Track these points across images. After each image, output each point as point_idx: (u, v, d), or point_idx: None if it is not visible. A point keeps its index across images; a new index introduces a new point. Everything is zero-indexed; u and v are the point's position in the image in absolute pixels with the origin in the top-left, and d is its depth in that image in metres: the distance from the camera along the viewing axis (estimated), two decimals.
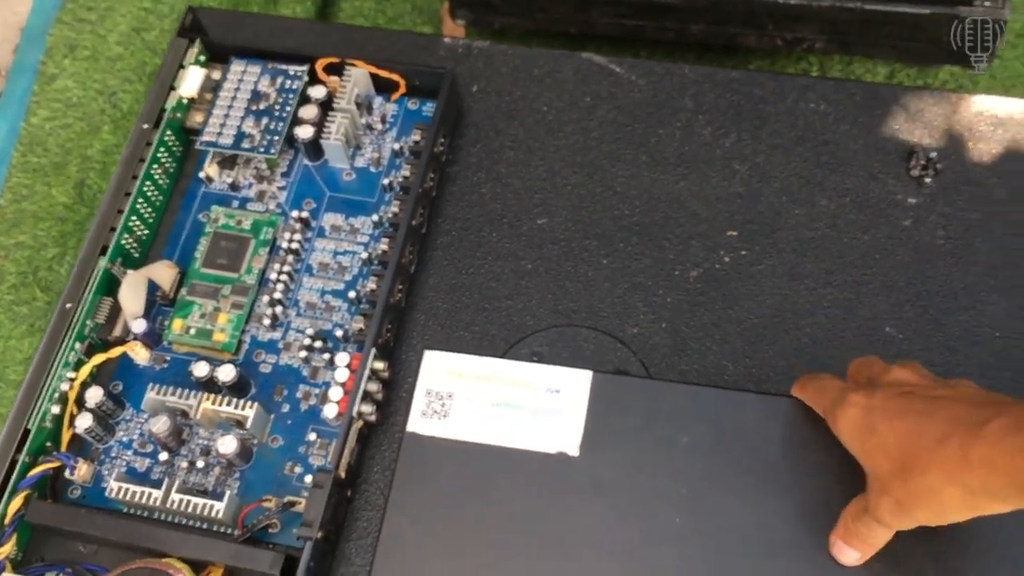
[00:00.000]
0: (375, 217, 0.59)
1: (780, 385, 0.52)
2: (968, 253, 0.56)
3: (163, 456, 0.54)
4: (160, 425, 0.53)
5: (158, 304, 0.58)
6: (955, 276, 0.55)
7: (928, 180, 0.57)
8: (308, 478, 0.53)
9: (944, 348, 0.53)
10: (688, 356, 0.55)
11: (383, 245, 0.56)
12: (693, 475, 0.48)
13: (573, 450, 0.49)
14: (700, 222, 0.58)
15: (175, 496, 0.51)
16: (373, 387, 0.53)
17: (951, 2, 0.78)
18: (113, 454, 0.55)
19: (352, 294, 0.57)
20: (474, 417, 0.51)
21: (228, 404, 0.53)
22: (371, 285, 0.55)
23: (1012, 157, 0.57)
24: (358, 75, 0.60)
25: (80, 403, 0.54)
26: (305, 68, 0.61)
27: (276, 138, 0.59)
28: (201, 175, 0.61)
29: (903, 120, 0.59)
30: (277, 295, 0.57)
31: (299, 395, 0.55)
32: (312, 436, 0.54)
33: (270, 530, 0.52)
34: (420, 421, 0.51)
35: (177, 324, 0.57)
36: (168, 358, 0.57)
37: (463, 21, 0.72)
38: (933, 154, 0.58)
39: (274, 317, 0.57)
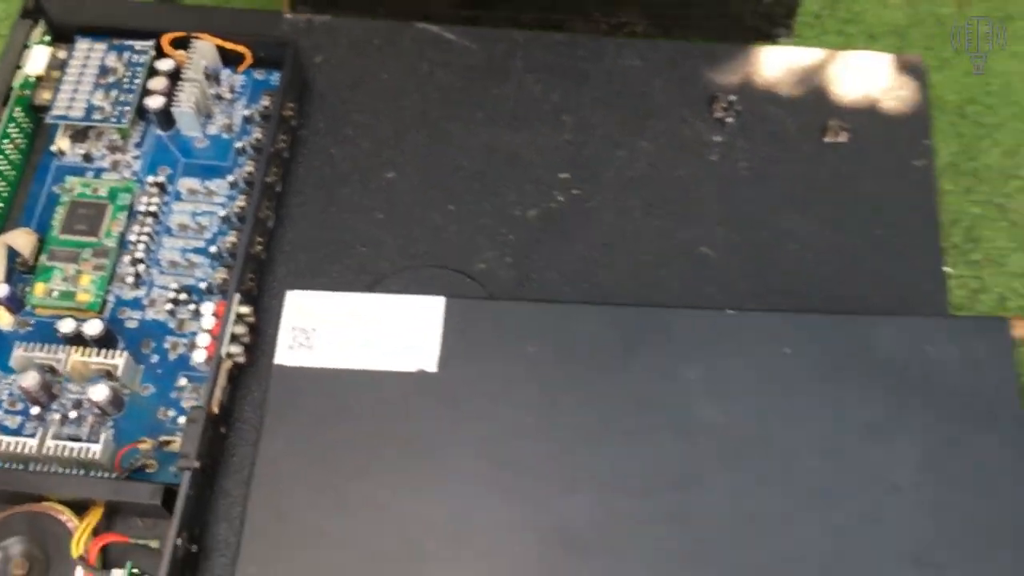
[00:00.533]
0: (230, 178, 0.63)
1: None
2: (767, 180, 0.64)
3: (35, 411, 0.56)
4: (30, 380, 0.55)
5: (18, 271, 0.60)
6: (757, 200, 0.63)
7: (729, 120, 0.66)
8: (182, 419, 0.56)
9: (751, 261, 0.61)
10: (531, 285, 0.61)
11: (240, 202, 0.60)
12: (540, 381, 0.54)
13: (432, 367, 0.54)
14: (535, 168, 0.65)
15: (50, 443, 0.53)
16: (240, 330, 0.57)
17: None
18: None
19: (213, 249, 0.61)
20: (337, 346, 0.55)
21: (97, 356, 0.56)
22: (231, 239, 0.59)
23: (799, 97, 0.67)
24: (204, 47, 0.64)
25: None
26: (151, 43, 0.65)
27: (127, 108, 0.63)
28: (53, 148, 0.63)
29: (705, 71, 0.68)
30: (139, 255, 0.60)
31: (167, 346, 0.58)
32: (183, 381, 0.57)
33: (147, 470, 0.55)
34: (287, 354, 0.55)
35: (39, 288, 0.59)
36: (32, 322, 0.59)
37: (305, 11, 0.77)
38: (732, 98, 0.66)
39: (137, 276, 0.60)
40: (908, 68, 0.67)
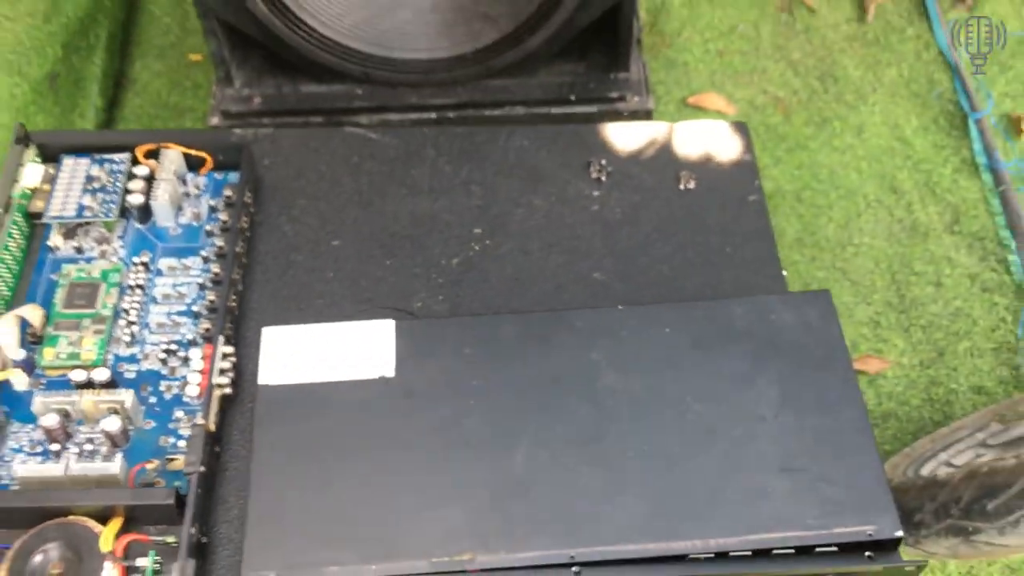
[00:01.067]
0: (204, 254, 0.77)
1: None
2: (638, 221, 0.81)
3: (54, 447, 0.67)
4: (50, 420, 0.66)
5: (28, 342, 0.72)
6: (633, 236, 0.80)
7: (603, 179, 0.83)
8: (181, 443, 0.68)
9: (633, 281, 0.77)
10: (460, 314, 0.75)
11: (215, 268, 0.74)
12: (476, 373, 0.68)
13: (390, 373, 0.68)
14: (453, 227, 0.80)
15: (74, 467, 0.64)
16: (226, 365, 0.70)
17: (610, 100, 1.10)
18: (8, 458, 0.67)
19: (195, 308, 0.74)
20: (310, 366, 0.69)
21: (107, 395, 0.67)
22: (210, 297, 0.73)
23: (655, 156, 0.85)
24: (172, 155, 0.79)
25: None
26: (128, 155, 0.79)
27: (112, 206, 0.77)
28: (49, 243, 0.76)
29: (580, 144, 0.86)
30: (132, 319, 0.73)
31: (162, 388, 0.71)
32: (179, 414, 0.70)
33: (156, 486, 0.66)
34: (268, 375, 0.68)
35: (48, 352, 0.71)
36: (44, 382, 0.71)
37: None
38: (604, 161, 0.84)
39: (132, 336, 0.72)
40: (737, 129, 0.87)
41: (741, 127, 0.87)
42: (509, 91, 1.18)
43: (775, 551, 0.62)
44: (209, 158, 0.80)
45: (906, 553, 0.63)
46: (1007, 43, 1.47)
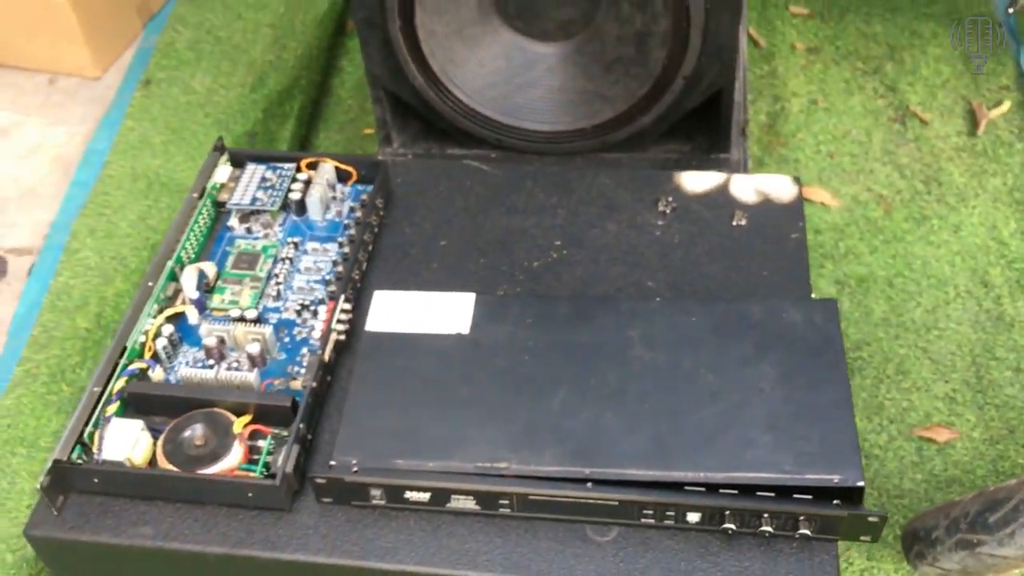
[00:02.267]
0: (340, 240, 0.99)
1: None
2: (693, 247, 0.99)
3: (210, 363, 0.89)
4: (211, 340, 0.89)
5: (203, 290, 0.96)
6: (684, 256, 0.98)
7: (668, 212, 1.02)
8: (303, 371, 0.89)
9: (678, 290, 0.95)
10: None
11: (346, 250, 0.96)
12: (536, 337, 0.86)
13: (465, 330, 0.88)
14: (538, 238, 1.00)
15: (223, 373, 0.87)
16: (343, 318, 0.91)
17: None
18: (176, 367, 0.90)
19: (328, 278, 0.96)
20: (405, 321, 0.89)
21: (253, 327, 0.90)
22: (339, 269, 0.95)
23: (713, 197, 1.03)
24: (326, 167, 1.04)
25: (156, 336, 0.90)
26: (293, 165, 1.04)
27: (277, 198, 1.01)
28: (228, 224, 1.01)
29: (653, 183, 1.05)
30: (279, 281, 0.96)
31: (295, 332, 0.93)
32: (304, 351, 0.91)
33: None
34: (374, 324, 0.89)
35: (216, 298, 0.95)
36: (210, 319, 0.94)
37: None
38: (671, 199, 1.03)
39: (278, 293, 0.95)
40: (787, 184, 1.04)
41: (795, 180, 1.04)
42: (621, 164, 1.38)
43: (756, 489, 0.76)
44: (355, 172, 1.04)
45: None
46: None
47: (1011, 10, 1.72)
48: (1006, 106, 1.68)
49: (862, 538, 0.77)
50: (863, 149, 1.64)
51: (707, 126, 1.38)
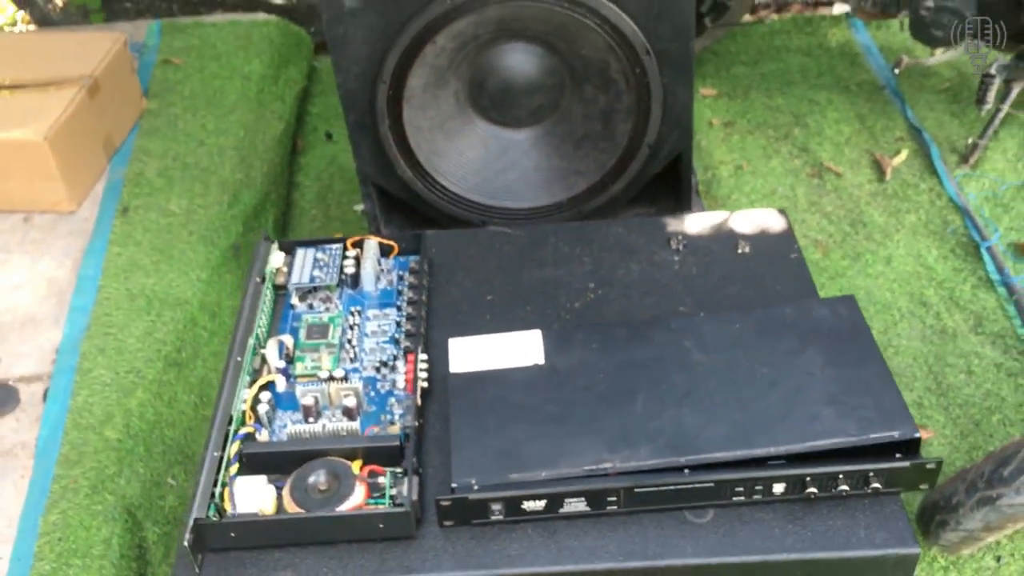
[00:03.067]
0: (398, 304, 1.09)
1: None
2: (708, 275, 1.13)
3: (310, 420, 0.97)
4: (308, 399, 0.97)
5: (285, 361, 1.04)
6: (706, 285, 1.12)
7: (681, 248, 1.16)
8: (393, 419, 0.97)
9: (708, 310, 1.08)
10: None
11: (408, 310, 1.06)
12: (600, 359, 0.98)
13: (541, 360, 0.99)
14: (573, 284, 1.13)
15: (328, 425, 0.95)
16: (423, 367, 1.01)
17: None
18: (276, 432, 0.97)
19: (396, 337, 1.06)
20: (483, 360, 0.99)
21: (344, 384, 0.99)
22: (407, 327, 1.05)
23: (717, 232, 1.18)
24: (371, 243, 1.14)
25: (256, 403, 0.97)
26: (340, 244, 1.14)
27: (333, 273, 1.10)
28: (292, 301, 1.10)
29: (662, 228, 1.19)
30: (352, 345, 1.05)
31: (378, 386, 1.01)
32: (392, 401, 1.00)
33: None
34: (456, 366, 0.99)
35: (299, 366, 1.03)
36: (295, 386, 1.02)
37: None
38: (680, 238, 1.17)
39: (353, 356, 1.04)
40: (778, 213, 1.20)
41: (781, 212, 1.20)
42: None
43: (830, 454, 0.89)
44: (396, 246, 1.15)
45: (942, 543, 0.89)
46: (1007, 190, 1.81)
47: (896, 71, 1.97)
48: (904, 154, 1.91)
49: (921, 487, 0.90)
50: (791, 203, 1.83)
51: (669, 188, 1.55)
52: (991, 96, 1.80)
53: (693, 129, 1.47)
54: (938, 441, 1.43)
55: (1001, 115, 1.85)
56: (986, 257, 1.68)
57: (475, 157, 1.50)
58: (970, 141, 1.88)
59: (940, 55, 1.90)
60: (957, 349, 1.55)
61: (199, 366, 1.49)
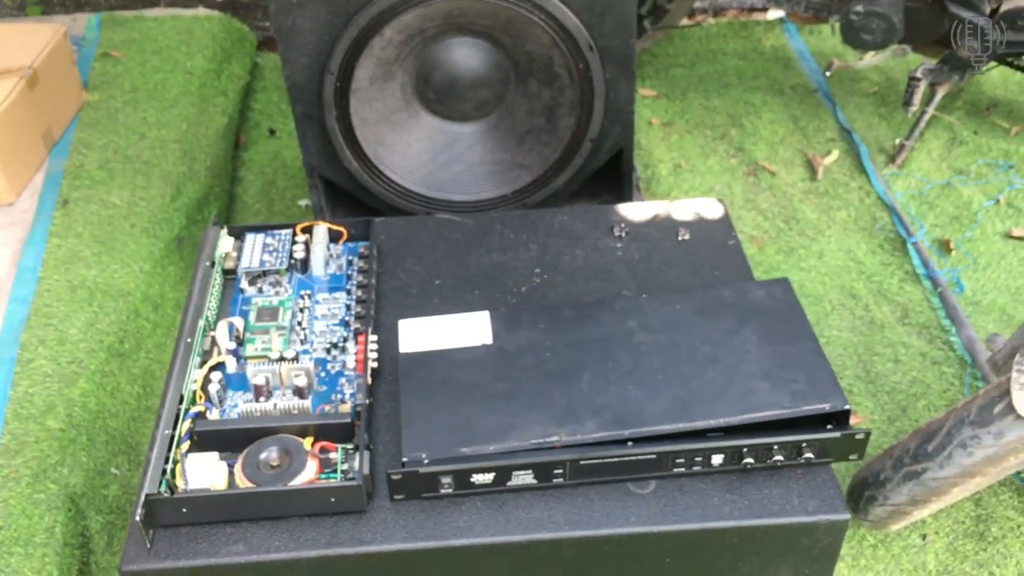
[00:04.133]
0: (347, 287, 1.11)
1: None
2: (651, 260, 1.17)
3: (261, 399, 0.99)
4: (259, 379, 0.99)
5: (235, 343, 1.05)
6: (648, 270, 1.16)
7: (624, 235, 1.20)
8: (345, 397, 1.00)
9: (647, 291, 1.12)
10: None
11: (358, 293, 1.09)
12: (547, 336, 1.01)
13: (489, 340, 1.02)
14: (520, 269, 1.16)
15: (280, 403, 0.96)
16: (374, 347, 1.03)
17: None
18: (227, 412, 0.99)
19: (346, 319, 1.08)
20: (433, 340, 1.02)
21: (295, 364, 1.00)
22: (356, 310, 1.07)
23: (656, 221, 1.22)
24: (320, 229, 1.16)
25: (207, 383, 0.99)
26: (290, 230, 1.16)
27: (283, 258, 1.12)
28: (241, 285, 1.11)
29: (605, 215, 1.23)
30: (302, 327, 1.07)
31: (328, 367, 1.03)
32: (343, 381, 1.02)
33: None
34: (406, 346, 1.01)
35: (249, 348, 1.04)
36: (246, 367, 1.03)
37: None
38: (623, 224, 1.21)
39: (303, 339, 1.06)
40: (716, 202, 1.24)
41: (720, 201, 1.24)
42: None
43: (765, 426, 0.93)
44: (345, 232, 1.17)
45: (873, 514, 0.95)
46: (931, 189, 1.89)
47: (827, 73, 2.04)
48: (835, 155, 1.98)
49: (851, 457, 0.95)
50: (728, 200, 1.89)
51: (610, 183, 1.59)
52: (917, 99, 1.88)
53: (632, 125, 1.51)
54: (866, 425, 1.49)
55: (927, 117, 1.93)
56: (912, 252, 1.75)
57: (421, 150, 1.53)
58: (897, 142, 1.95)
59: (869, 59, 1.97)
60: (885, 339, 1.61)
61: (142, 357, 1.49)
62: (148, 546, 0.88)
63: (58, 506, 1.24)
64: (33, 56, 1.76)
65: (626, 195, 1.58)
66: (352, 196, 1.55)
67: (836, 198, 1.89)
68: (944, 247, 1.77)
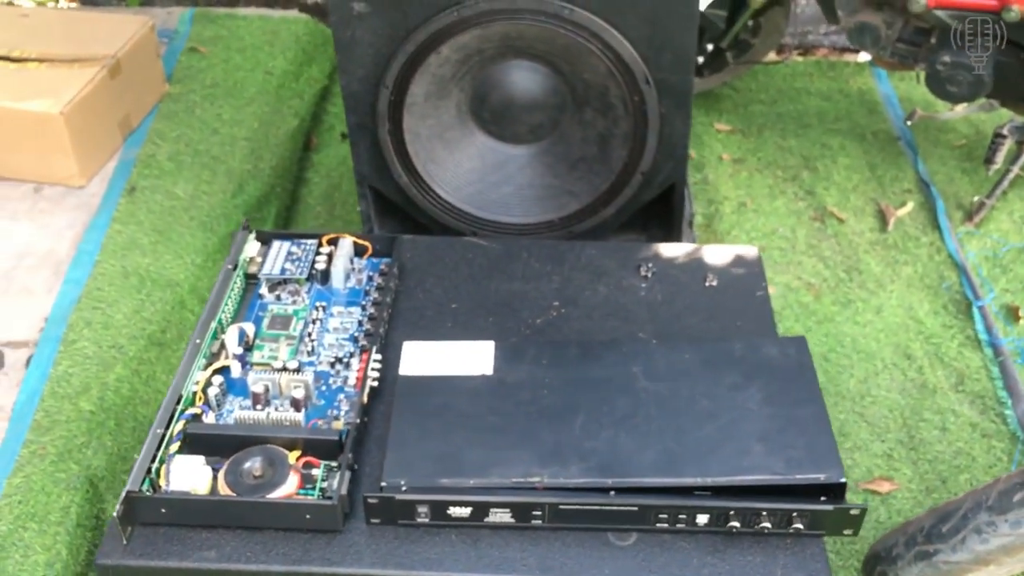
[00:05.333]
0: (362, 303, 1.12)
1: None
2: (673, 303, 1.14)
3: (259, 407, 0.99)
4: (258, 387, 0.99)
5: (243, 348, 1.06)
6: (669, 313, 1.13)
7: (649, 275, 1.17)
8: (342, 413, 1.00)
9: (662, 335, 1.09)
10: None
11: (371, 310, 1.09)
12: (551, 373, 0.99)
13: (489, 371, 1.00)
14: (538, 300, 1.14)
15: (273, 414, 0.97)
16: (375, 367, 1.03)
17: None
18: (224, 417, 1.00)
19: (356, 335, 1.08)
20: (434, 366, 1.01)
21: (296, 376, 1.01)
22: (367, 327, 1.07)
23: (686, 263, 1.19)
24: (345, 242, 1.17)
25: (207, 385, 1.00)
26: (315, 240, 1.17)
27: (304, 267, 1.13)
28: (261, 291, 1.13)
29: (634, 253, 1.20)
30: (312, 338, 1.07)
31: (330, 381, 1.04)
32: (341, 397, 1.02)
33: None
34: (406, 369, 1.01)
35: (256, 354, 1.05)
36: (251, 374, 1.04)
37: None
38: (650, 264, 1.18)
39: (312, 349, 1.06)
40: (750, 251, 1.21)
41: (753, 249, 1.21)
42: None
43: (755, 490, 0.90)
44: (370, 247, 1.17)
45: None
46: (1008, 251, 1.81)
47: (909, 123, 1.97)
48: (910, 206, 1.91)
49: (845, 532, 0.90)
50: (790, 244, 1.83)
51: (660, 218, 1.56)
52: (1000, 156, 1.80)
53: (687, 161, 1.48)
54: (902, 494, 1.43)
55: (1011, 176, 1.85)
56: (977, 316, 1.67)
57: (471, 168, 1.52)
58: (976, 199, 1.87)
59: (956, 110, 1.90)
60: (935, 405, 1.54)
61: (182, 348, 1.52)
62: (125, 542, 0.90)
63: (77, 487, 1.27)
64: (118, 46, 1.82)
65: (675, 232, 1.55)
66: (401, 209, 1.55)
67: (904, 252, 1.82)
68: (1012, 314, 1.68)
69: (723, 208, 1.91)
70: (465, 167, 1.52)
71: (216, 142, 1.86)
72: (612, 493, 0.90)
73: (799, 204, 1.92)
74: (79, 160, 1.74)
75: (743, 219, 1.89)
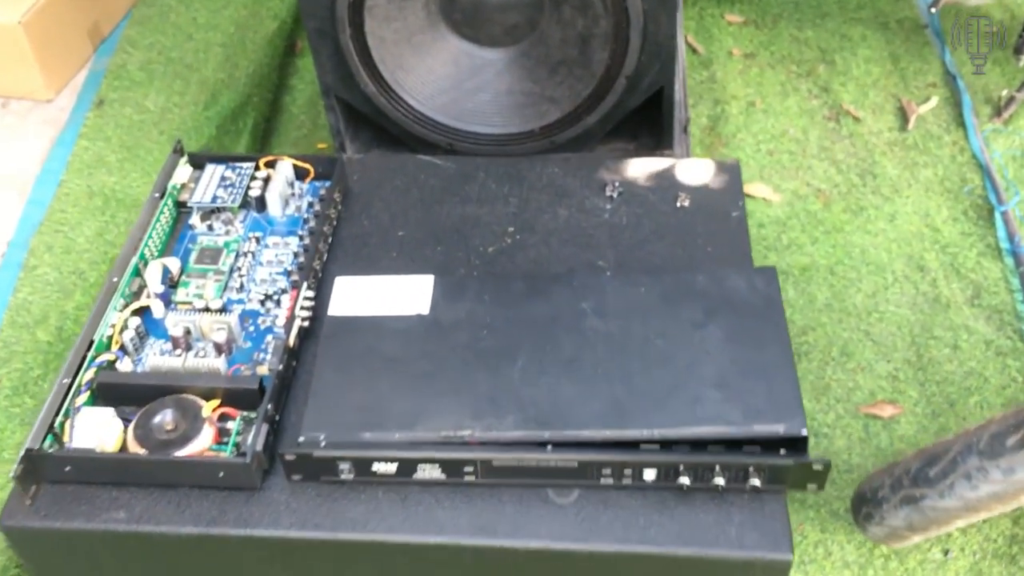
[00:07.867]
0: (300, 233, 1.02)
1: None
2: (639, 227, 1.03)
3: (178, 352, 0.91)
4: (177, 330, 0.91)
5: (168, 285, 0.98)
6: (631, 237, 1.02)
7: (615, 196, 1.06)
8: (269, 357, 0.91)
9: (627, 267, 0.99)
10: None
11: (307, 241, 0.99)
12: (493, 311, 0.90)
13: (425, 311, 0.91)
14: (492, 225, 1.04)
15: (191, 360, 0.89)
16: (306, 304, 0.94)
17: None
18: (143, 359, 0.92)
19: (290, 270, 0.99)
20: (367, 304, 0.92)
21: (219, 316, 0.92)
22: (301, 260, 0.98)
23: (656, 182, 1.07)
24: (284, 165, 1.06)
25: (123, 329, 0.92)
26: (252, 164, 1.07)
27: (237, 196, 1.03)
28: (190, 222, 1.03)
29: (601, 170, 1.09)
30: (242, 274, 0.98)
31: (259, 321, 0.95)
32: (269, 338, 0.93)
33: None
34: (336, 309, 0.92)
35: (180, 292, 0.97)
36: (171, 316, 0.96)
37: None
38: (617, 183, 1.07)
39: (241, 286, 0.98)
40: (729, 165, 1.09)
41: (732, 165, 1.09)
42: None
43: (708, 442, 0.80)
44: (312, 170, 1.07)
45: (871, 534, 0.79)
46: None
47: (934, 9, 1.80)
48: (934, 102, 1.75)
49: (809, 487, 0.81)
50: (800, 147, 1.70)
51: (650, 124, 1.43)
52: None
53: (677, 63, 1.35)
54: (906, 419, 1.33)
55: None
56: (999, 222, 1.54)
57: (445, 75, 1.40)
58: (1005, 93, 1.71)
59: None
60: (947, 321, 1.43)
61: None
62: (29, 503, 0.83)
63: (31, 423, 1.21)
64: None
65: (666, 139, 1.43)
66: (375, 122, 1.44)
67: (924, 153, 1.67)
68: None
69: (730, 109, 1.77)
70: (437, 73, 1.40)
71: (190, 49, 1.75)
72: (549, 448, 0.81)
73: (813, 103, 1.78)
74: (45, 72, 1.64)
75: (751, 121, 1.75)
